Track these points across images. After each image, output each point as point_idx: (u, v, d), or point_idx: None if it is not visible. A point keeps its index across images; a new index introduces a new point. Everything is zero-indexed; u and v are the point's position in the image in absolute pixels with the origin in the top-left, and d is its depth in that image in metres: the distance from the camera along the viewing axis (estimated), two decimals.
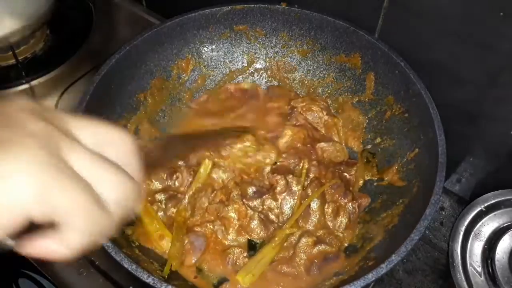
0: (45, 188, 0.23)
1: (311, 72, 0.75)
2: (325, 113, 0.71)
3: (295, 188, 0.62)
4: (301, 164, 0.65)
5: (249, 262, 0.57)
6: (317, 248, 0.58)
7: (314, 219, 0.61)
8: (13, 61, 0.83)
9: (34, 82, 0.82)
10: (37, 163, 0.24)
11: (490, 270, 0.59)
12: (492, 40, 0.56)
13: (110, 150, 0.29)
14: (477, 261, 0.60)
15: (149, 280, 0.45)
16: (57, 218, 0.25)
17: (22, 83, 0.82)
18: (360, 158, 0.69)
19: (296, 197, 0.61)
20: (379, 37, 0.67)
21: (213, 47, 0.73)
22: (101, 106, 0.61)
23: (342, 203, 0.62)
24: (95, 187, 0.26)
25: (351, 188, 0.66)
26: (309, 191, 0.62)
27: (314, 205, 0.61)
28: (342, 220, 0.61)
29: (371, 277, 0.45)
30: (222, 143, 0.63)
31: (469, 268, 0.60)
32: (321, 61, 0.73)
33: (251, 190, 0.62)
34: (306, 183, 0.63)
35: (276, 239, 0.58)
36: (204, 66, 0.74)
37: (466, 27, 0.57)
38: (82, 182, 0.25)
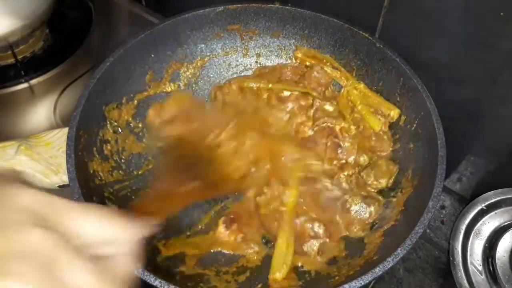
0: None
1: None
2: None
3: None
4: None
5: (275, 257, 0.56)
6: None
7: None
8: (12, 60, 0.83)
9: (33, 81, 0.82)
10: None
11: (491, 269, 0.59)
12: (492, 40, 0.56)
13: (110, 248, 0.28)
14: (477, 260, 0.61)
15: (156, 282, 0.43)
16: None
17: (21, 82, 0.81)
18: None
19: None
20: (379, 37, 0.67)
21: (207, 47, 0.73)
22: (95, 111, 0.60)
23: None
24: None
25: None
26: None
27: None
28: None
29: (378, 271, 0.45)
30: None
31: (470, 266, 0.60)
32: None
33: None
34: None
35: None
36: (198, 67, 0.74)
37: (466, 27, 0.57)
38: None
